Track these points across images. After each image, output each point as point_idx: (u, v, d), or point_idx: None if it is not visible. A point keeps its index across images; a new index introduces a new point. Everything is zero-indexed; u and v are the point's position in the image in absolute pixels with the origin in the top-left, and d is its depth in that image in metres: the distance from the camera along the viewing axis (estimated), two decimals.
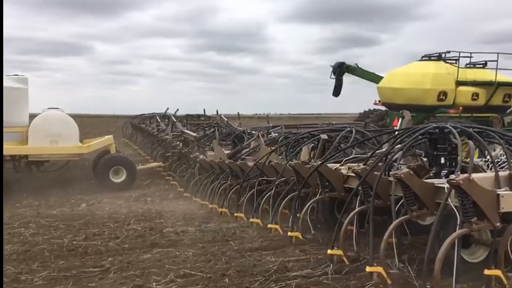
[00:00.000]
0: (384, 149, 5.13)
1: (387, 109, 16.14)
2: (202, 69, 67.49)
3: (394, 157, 4.70)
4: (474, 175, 3.71)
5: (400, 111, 12.66)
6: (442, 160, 4.66)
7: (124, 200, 9.82)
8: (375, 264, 3.98)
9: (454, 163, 4.63)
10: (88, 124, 25.28)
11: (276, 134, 10.44)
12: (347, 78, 17.26)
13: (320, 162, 5.43)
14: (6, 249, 5.59)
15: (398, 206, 4.40)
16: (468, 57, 15.23)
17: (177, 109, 18.64)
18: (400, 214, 4.29)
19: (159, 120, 16.85)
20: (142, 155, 16.42)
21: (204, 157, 9.88)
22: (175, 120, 14.54)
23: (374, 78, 16.68)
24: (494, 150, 5.42)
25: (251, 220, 6.60)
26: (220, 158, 8.94)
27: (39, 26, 62.84)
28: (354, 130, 6.69)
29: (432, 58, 15.25)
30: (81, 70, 61.95)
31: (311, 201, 5.57)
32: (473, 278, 3.82)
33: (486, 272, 3.68)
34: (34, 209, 8.91)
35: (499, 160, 4.92)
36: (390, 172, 4.61)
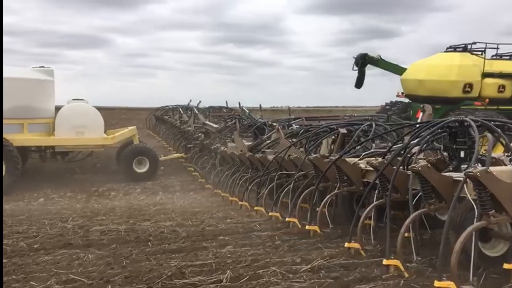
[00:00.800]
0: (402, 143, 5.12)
1: (410, 101, 15.93)
2: (220, 61, 67.47)
3: (413, 151, 4.69)
4: (493, 168, 3.69)
5: (421, 105, 12.48)
6: (462, 154, 4.62)
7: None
8: (392, 257, 4.00)
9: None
10: (111, 117, 25.48)
11: (297, 126, 10.44)
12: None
13: (338, 156, 5.44)
14: None
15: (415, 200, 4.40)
16: (494, 48, 14.90)
17: (200, 101, 18.84)
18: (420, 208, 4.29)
19: (182, 112, 17.03)
20: (165, 146, 16.66)
21: (225, 149, 9.97)
22: (197, 112, 14.67)
23: (397, 69, 16.45)
24: None
25: (270, 213, 6.66)
26: (241, 150, 9.01)
27: (60, 19, 63.64)
28: (374, 124, 6.64)
29: (458, 49, 14.94)
30: (101, 63, 62.70)
31: (329, 195, 5.59)
32: (492, 272, 3.81)
33: (506, 266, 3.67)
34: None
35: None
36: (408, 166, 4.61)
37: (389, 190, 4.44)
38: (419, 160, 4.55)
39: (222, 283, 4.00)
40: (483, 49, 14.62)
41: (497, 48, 14.90)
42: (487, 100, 14.04)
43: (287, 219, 6.12)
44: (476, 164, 3.90)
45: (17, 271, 4.54)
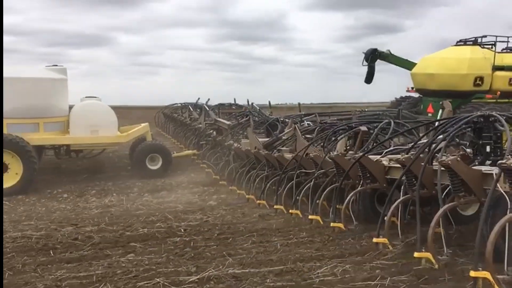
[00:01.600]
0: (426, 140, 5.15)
1: (420, 95, 15.91)
2: (224, 59, 67.55)
3: (438, 147, 4.72)
4: None
5: (440, 102, 12.45)
6: (488, 149, 4.65)
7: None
8: (423, 250, 4.05)
9: (499, 152, 4.63)
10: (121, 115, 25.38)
11: (309, 123, 10.46)
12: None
13: (361, 154, 5.47)
14: None
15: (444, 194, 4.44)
16: (505, 41, 14.87)
17: (208, 99, 18.85)
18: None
19: (191, 109, 17.08)
20: (175, 143, 16.73)
21: (239, 145, 9.99)
22: (208, 109, 14.72)
23: (407, 64, 16.42)
24: None
25: (290, 211, 6.68)
26: (255, 147, 9.03)
27: (64, 18, 63.85)
28: (392, 122, 6.64)
29: (468, 43, 14.91)
30: (105, 62, 62.92)
31: (352, 193, 5.63)
32: None
33: None
34: None
35: None
36: (434, 162, 4.65)
37: (417, 185, 4.48)
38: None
39: None
40: (493, 43, 14.59)
41: (508, 42, 14.88)
42: (499, 92, 14.03)
43: (309, 216, 6.15)
44: (510, 156, 3.92)
45: None
